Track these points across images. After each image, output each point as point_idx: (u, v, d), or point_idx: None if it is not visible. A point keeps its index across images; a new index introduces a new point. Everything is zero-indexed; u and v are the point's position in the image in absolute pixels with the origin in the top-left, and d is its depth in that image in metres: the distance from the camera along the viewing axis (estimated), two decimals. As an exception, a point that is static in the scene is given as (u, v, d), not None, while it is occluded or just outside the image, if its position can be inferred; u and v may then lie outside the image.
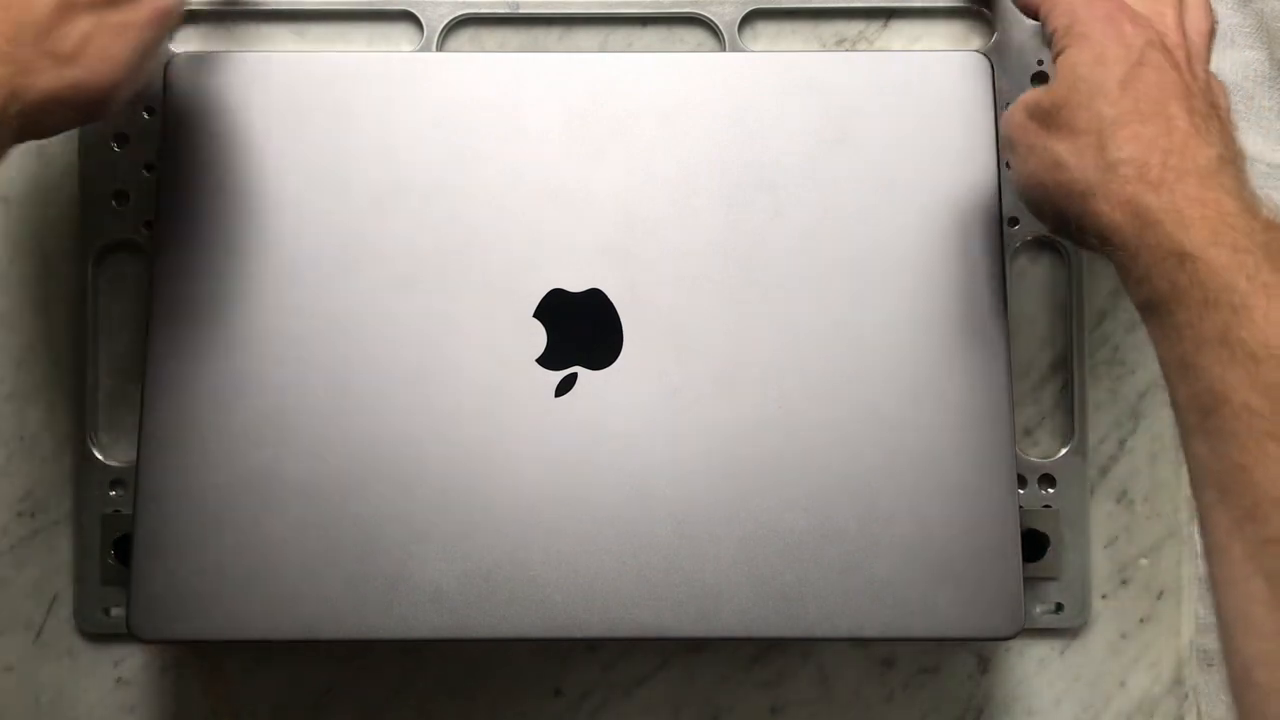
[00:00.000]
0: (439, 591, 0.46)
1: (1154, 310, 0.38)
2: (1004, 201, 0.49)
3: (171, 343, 0.47)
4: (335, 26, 0.54)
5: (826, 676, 0.53)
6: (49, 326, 0.53)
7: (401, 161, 0.48)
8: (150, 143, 0.52)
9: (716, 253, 0.48)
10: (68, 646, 0.52)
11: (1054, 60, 0.43)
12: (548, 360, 0.47)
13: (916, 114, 0.49)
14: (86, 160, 0.52)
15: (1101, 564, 0.53)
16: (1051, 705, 0.53)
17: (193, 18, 0.54)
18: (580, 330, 0.47)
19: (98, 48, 0.42)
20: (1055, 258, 0.53)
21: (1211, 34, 0.44)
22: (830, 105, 0.49)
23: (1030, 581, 0.51)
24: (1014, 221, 0.53)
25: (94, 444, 0.52)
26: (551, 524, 0.46)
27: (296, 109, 0.49)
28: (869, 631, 0.46)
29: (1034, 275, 0.54)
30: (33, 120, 0.41)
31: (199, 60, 0.50)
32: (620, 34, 0.54)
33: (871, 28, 0.54)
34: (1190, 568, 0.53)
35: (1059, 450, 0.53)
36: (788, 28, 0.54)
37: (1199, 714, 0.53)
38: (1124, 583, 0.53)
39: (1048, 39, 0.44)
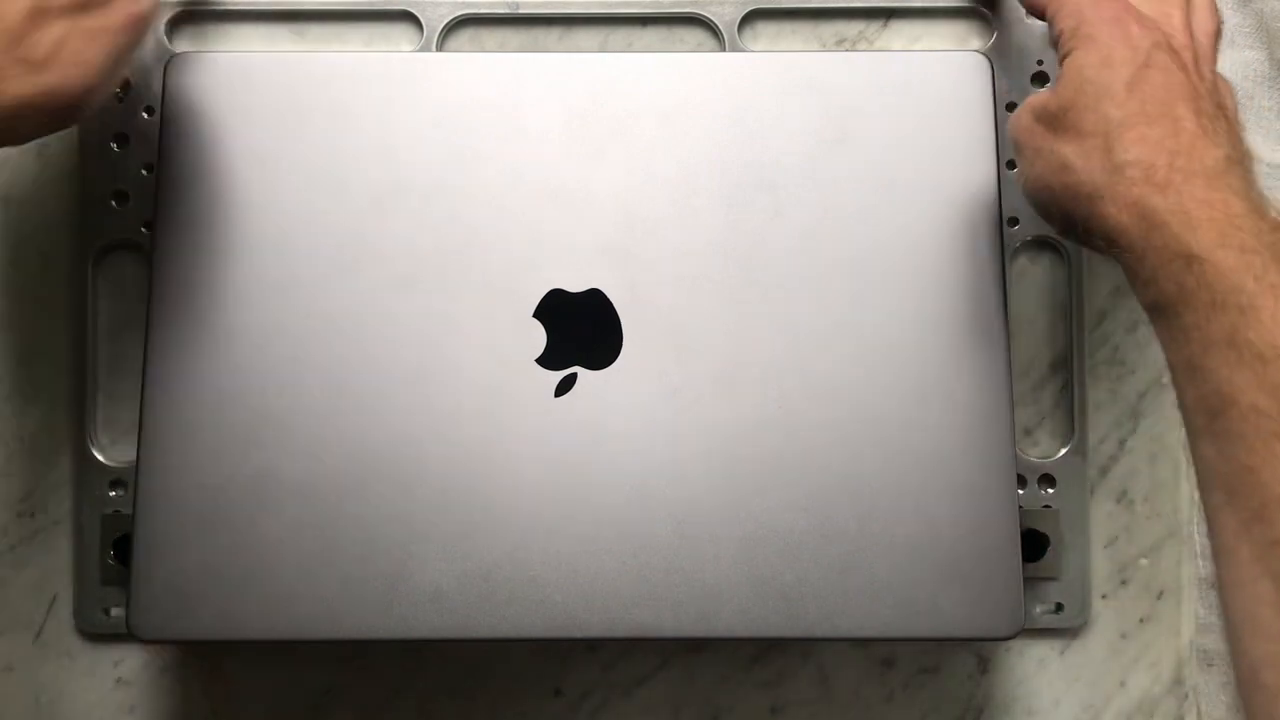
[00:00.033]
0: (439, 592, 0.46)
1: (1161, 312, 0.38)
2: (1004, 201, 0.49)
3: (171, 343, 0.47)
4: (335, 27, 0.54)
5: (826, 676, 0.53)
6: (49, 326, 0.53)
7: (401, 161, 0.48)
8: (150, 143, 0.52)
9: (716, 253, 0.48)
10: (67, 647, 0.52)
11: (1060, 62, 0.43)
12: (547, 360, 0.47)
13: (916, 114, 0.49)
14: (86, 160, 0.52)
15: (1101, 564, 0.53)
16: (1051, 705, 0.53)
17: (193, 18, 0.54)
18: (580, 330, 0.47)
19: (71, 53, 0.42)
20: (1055, 258, 0.53)
21: (1218, 35, 0.44)
22: (830, 105, 0.49)
23: (1030, 581, 0.51)
24: (1014, 221, 0.53)
25: (94, 444, 0.52)
26: (551, 524, 0.46)
27: (296, 109, 0.49)
28: (869, 631, 0.46)
29: (1034, 275, 0.54)
30: (6, 127, 0.41)
31: (199, 60, 0.50)
32: (620, 34, 0.54)
33: (871, 28, 0.54)
34: (1190, 568, 0.53)
35: (1059, 450, 0.53)
36: (787, 28, 0.54)
37: (1199, 714, 0.53)
38: (1124, 583, 0.53)
39: (1054, 40, 0.44)
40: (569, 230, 0.48)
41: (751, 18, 0.54)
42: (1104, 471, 0.53)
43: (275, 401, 0.47)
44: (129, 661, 0.52)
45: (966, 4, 0.54)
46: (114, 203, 0.52)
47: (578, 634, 0.46)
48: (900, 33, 0.54)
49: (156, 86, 0.50)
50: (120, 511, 0.51)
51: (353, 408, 0.47)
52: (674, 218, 0.48)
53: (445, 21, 0.53)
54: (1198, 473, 0.38)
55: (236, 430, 0.46)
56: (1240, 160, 0.39)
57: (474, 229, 0.48)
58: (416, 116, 0.49)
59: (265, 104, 0.49)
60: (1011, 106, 0.52)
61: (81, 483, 0.52)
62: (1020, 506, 0.48)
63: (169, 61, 0.49)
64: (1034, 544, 0.51)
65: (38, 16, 0.41)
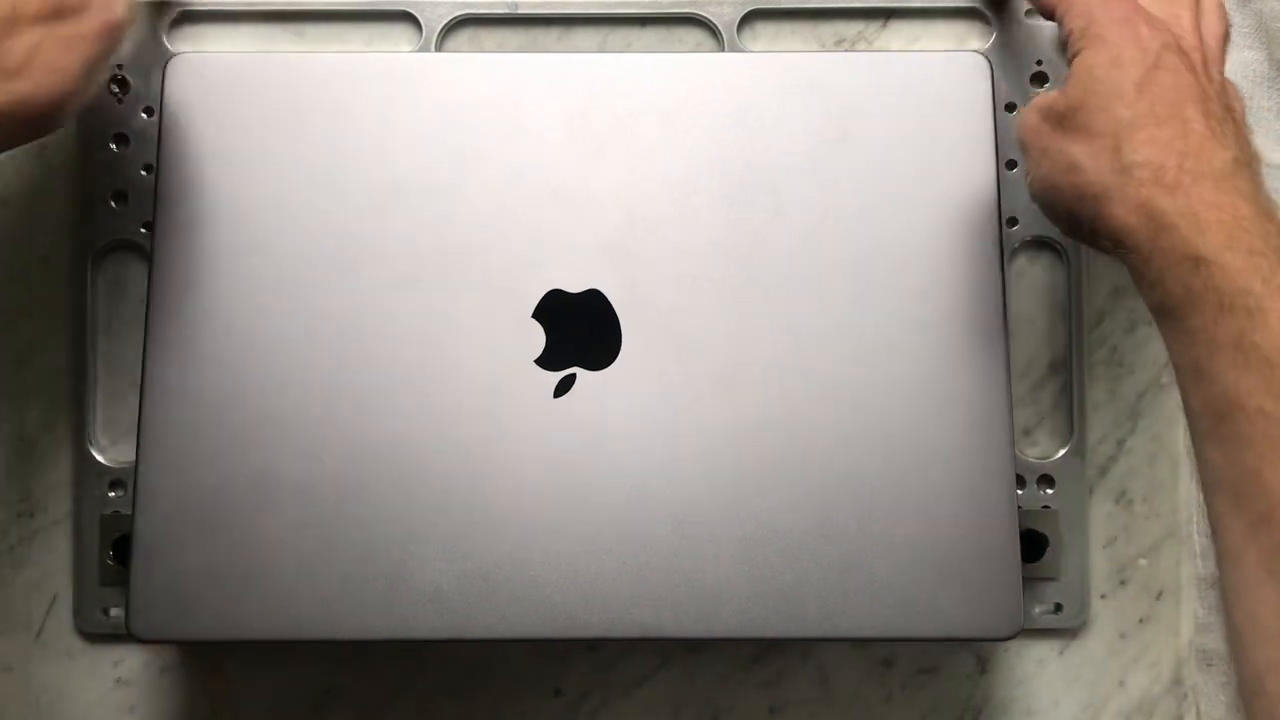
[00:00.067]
0: (438, 592, 0.46)
1: (1167, 314, 0.38)
2: (1003, 201, 0.49)
3: (171, 343, 0.47)
4: (334, 27, 0.54)
5: (826, 676, 0.53)
6: (48, 327, 0.53)
7: (401, 161, 0.48)
8: (150, 143, 0.52)
9: (716, 253, 0.48)
10: (67, 647, 0.52)
11: (1069, 62, 0.43)
12: (546, 361, 0.47)
13: (916, 114, 0.49)
14: (86, 160, 0.52)
15: (1100, 564, 0.53)
16: (1050, 705, 0.53)
17: (192, 18, 0.54)
18: (579, 331, 0.47)
19: (44, 62, 0.41)
20: (1054, 258, 0.53)
21: (1226, 38, 0.44)
22: (830, 105, 0.49)
23: (1029, 582, 0.51)
24: (1013, 222, 0.53)
25: (93, 444, 0.52)
26: (551, 524, 0.46)
27: (296, 109, 0.49)
28: (868, 632, 0.46)
29: (1033, 275, 0.54)
30: None
31: (198, 60, 0.50)
32: (619, 34, 0.54)
33: (871, 28, 0.54)
34: (1189, 568, 0.53)
35: (1058, 451, 0.53)
36: (786, 28, 0.54)
37: (1198, 714, 0.53)
38: (1123, 583, 0.53)
39: (1062, 40, 0.44)
40: (568, 230, 0.48)
41: (750, 18, 0.54)
42: (1103, 472, 0.53)
43: (275, 401, 0.47)
44: (129, 661, 0.52)
45: (966, 4, 0.54)
46: (114, 203, 0.52)
47: (577, 634, 0.46)
48: (899, 33, 0.54)
49: (156, 87, 0.50)
50: (120, 512, 0.51)
51: (352, 408, 0.47)
52: (673, 218, 0.48)
53: (444, 22, 0.53)
54: (1202, 476, 0.38)
55: (236, 430, 0.46)
56: (1248, 163, 0.39)
57: (473, 229, 0.48)
58: (416, 117, 0.49)
59: (265, 104, 0.49)
60: (1011, 107, 0.53)
61: (81, 483, 0.52)
62: (1019, 507, 0.48)
63: (169, 62, 0.49)
64: (1033, 544, 0.52)
65: (10, 25, 0.41)
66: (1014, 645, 0.53)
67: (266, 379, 0.47)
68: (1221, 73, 0.43)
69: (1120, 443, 0.53)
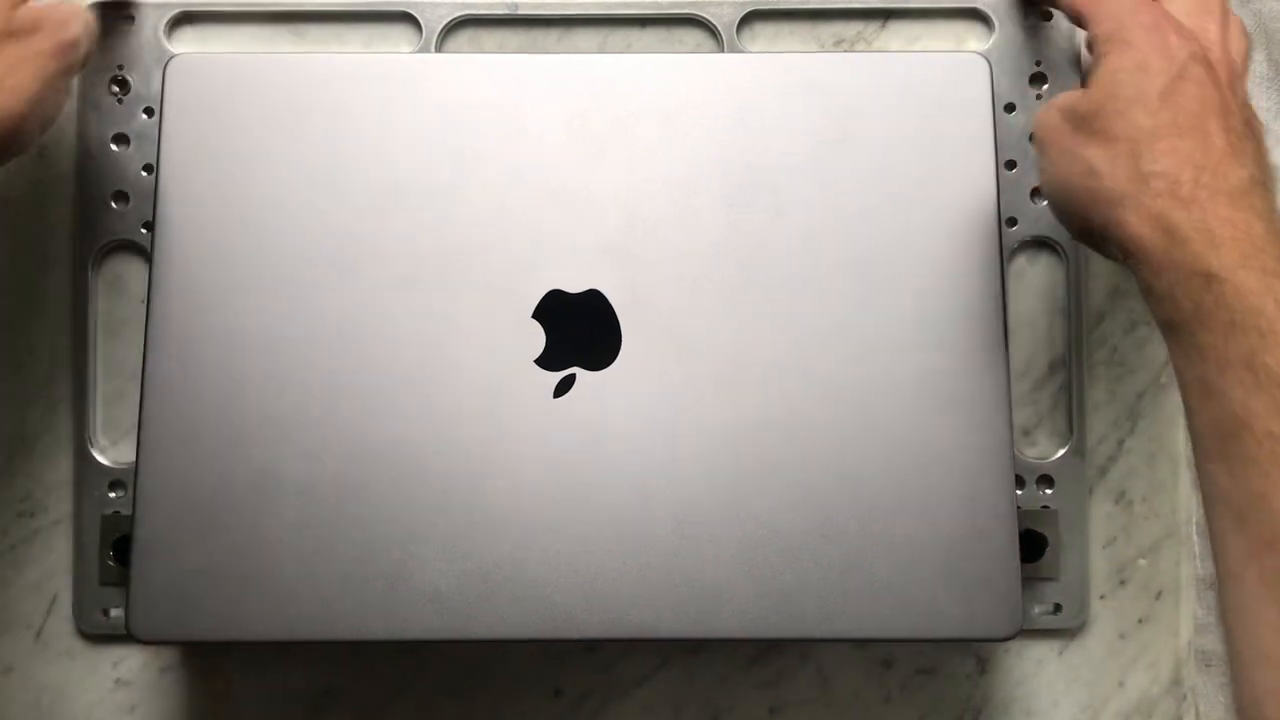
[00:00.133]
0: (438, 592, 0.46)
1: (1175, 329, 0.38)
2: (1003, 202, 0.49)
3: (171, 343, 0.47)
4: (334, 27, 0.54)
5: (826, 677, 0.53)
6: (48, 327, 0.53)
7: (401, 162, 0.48)
8: (150, 143, 0.52)
9: (716, 253, 0.48)
10: (67, 647, 0.52)
11: (1093, 65, 0.42)
12: (546, 361, 0.47)
13: (916, 115, 0.49)
14: (86, 161, 0.52)
15: (1100, 564, 0.53)
16: (1050, 706, 0.53)
17: (192, 18, 0.54)
18: (579, 331, 0.47)
19: None
20: (1054, 258, 0.53)
21: (1248, 55, 0.44)
22: (830, 106, 0.49)
23: (1029, 582, 0.51)
24: (1013, 222, 0.53)
25: (93, 445, 0.52)
26: (551, 524, 0.46)
27: (295, 110, 0.49)
28: (868, 632, 0.46)
29: (1033, 275, 0.54)
30: None
31: (198, 61, 0.50)
32: (619, 35, 0.54)
33: (870, 28, 0.55)
34: (1189, 568, 0.53)
35: (1057, 451, 0.53)
36: (786, 28, 0.54)
37: (1197, 714, 0.53)
38: (1122, 583, 0.53)
39: (1088, 43, 0.44)
40: (569, 231, 0.48)
41: (750, 19, 0.54)
42: (1102, 472, 0.53)
43: (275, 401, 0.47)
44: (129, 662, 0.52)
45: (966, 4, 0.54)
46: (114, 203, 0.52)
47: (577, 634, 0.46)
48: (899, 33, 0.54)
49: (156, 87, 0.50)
50: (120, 512, 0.51)
51: (352, 408, 0.47)
52: (674, 218, 0.48)
53: (444, 22, 0.53)
54: (1204, 494, 0.37)
55: (236, 430, 0.47)
56: (1264, 182, 0.39)
57: (473, 230, 0.48)
58: (416, 117, 0.49)
59: (265, 104, 0.49)
60: (1011, 107, 0.53)
61: (81, 483, 0.52)
62: (1019, 507, 0.48)
63: (169, 62, 0.49)
64: (1032, 544, 0.52)
65: None
66: (1013, 646, 0.53)
67: (266, 379, 0.47)
68: (1244, 89, 0.42)
69: (1120, 443, 0.53)
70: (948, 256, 0.48)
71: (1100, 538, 0.53)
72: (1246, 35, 0.44)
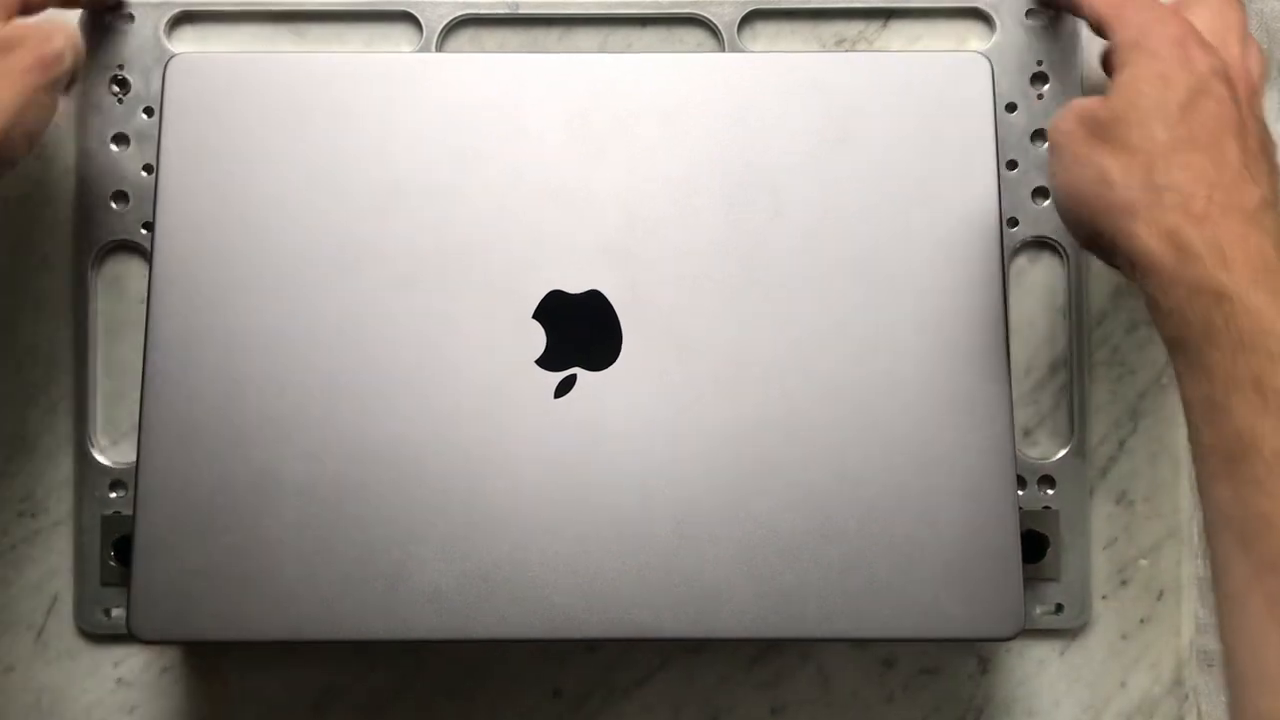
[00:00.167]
0: (438, 592, 0.46)
1: (1183, 347, 0.38)
2: (1004, 202, 0.49)
3: (171, 343, 0.47)
4: (334, 27, 0.54)
5: (826, 677, 0.53)
6: (48, 327, 0.53)
7: (401, 162, 0.48)
8: (150, 143, 0.52)
9: (716, 253, 0.48)
10: (68, 647, 0.52)
11: (1114, 73, 0.42)
12: (547, 361, 0.47)
13: (917, 114, 0.49)
14: (85, 161, 0.52)
15: (1101, 565, 0.53)
16: (1051, 706, 0.53)
17: (192, 18, 0.54)
18: (579, 331, 0.47)
19: None
20: (1055, 258, 0.53)
21: (1265, 75, 0.43)
22: (831, 106, 0.49)
23: (1030, 582, 0.51)
24: (1013, 222, 0.53)
25: (93, 445, 0.52)
26: (551, 524, 0.46)
27: (296, 109, 0.49)
28: (869, 632, 0.46)
29: (1034, 275, 0.53)
30: None
31: (199, 60, 0.50)
32: (620, 34, 0.54)
33: (871, 28, 0.54)
34: (1190, 568, 0.53)
35: (1059, 451, 0.53)
36: (786, 28, 0.54)
37: (1199, 714, 0.53)
38: (1124, 583, 0.53)
39: (1110, 51, 0.43)
40: (569, 231, 0.48)
41: (751, 18, 0.54)
42: (1104, 472, 0.53)
43: (275, 401, 0.47)
44: (129, 662, 0.52)
45: (966, 4, 0.54)
46: (114, 203, 0.52)
47: (577, 634, 0.46)
48: (900, 33, 0.54)
49: (156, 87, 0.50)
50: (120, 512, 0.51)
51: (352, 408, 0.47)
52: (674, 218, 0.48)
53: (445, 22, 0.53)
54: (1207, 514, 0.37)
55: (236, 430, 0.46)
56: (1275, 204, 0.39)
57: (474, 229, 0.48)
58: (416, 117, 0.49)
59: (265, 104, 0.49)
60: (1011, 107, 0.53)
61: (81, 483, 0.52)
62: (1020, 507, 0.48)
63: (169, 62, 0.49)
64: (1034, 545, 0.51)
65: None
66: (1015, 646, 0.53)
67: (266, 379, 0.47)
68: (1261, 109, 0.42)
69: (1121, 443, 0.53)
70: (949, 256, 0.48)
71: (1102, 538, 0.53)
72: (1264, 56, 0.43)
